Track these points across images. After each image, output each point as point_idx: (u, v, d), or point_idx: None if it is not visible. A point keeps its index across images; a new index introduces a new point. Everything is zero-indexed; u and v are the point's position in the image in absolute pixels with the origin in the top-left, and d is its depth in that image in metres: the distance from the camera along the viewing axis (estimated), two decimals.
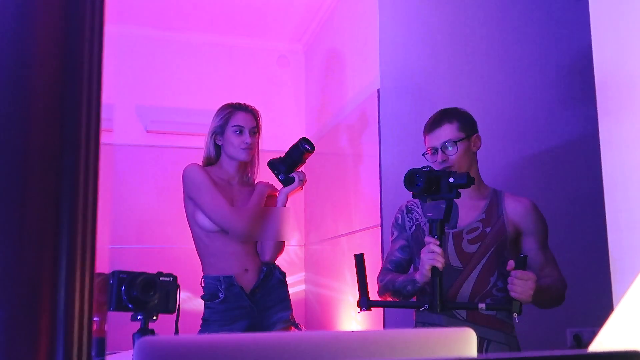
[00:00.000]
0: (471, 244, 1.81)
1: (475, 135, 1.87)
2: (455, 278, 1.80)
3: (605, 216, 1.47)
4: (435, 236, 1.61)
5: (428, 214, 1.63)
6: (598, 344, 0.86)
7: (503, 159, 2.61)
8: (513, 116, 2.67)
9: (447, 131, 1.82)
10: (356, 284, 1.70)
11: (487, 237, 1.81)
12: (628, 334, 0.85)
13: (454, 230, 1.83)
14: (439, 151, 1.82)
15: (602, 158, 1.48)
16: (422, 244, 1.68)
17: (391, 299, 1.85)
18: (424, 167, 1.65)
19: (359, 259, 1.69)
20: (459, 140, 1.81)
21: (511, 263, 1.62)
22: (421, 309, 1.65)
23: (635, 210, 1.38)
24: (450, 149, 1.81)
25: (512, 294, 1.59)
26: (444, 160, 1.81)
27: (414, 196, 1.67)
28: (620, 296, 0.88)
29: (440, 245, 1.62)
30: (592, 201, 1.84)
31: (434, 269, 1.61)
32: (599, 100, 1.50)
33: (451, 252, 1.82)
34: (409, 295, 1.78)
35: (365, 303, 1.66)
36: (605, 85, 1.49)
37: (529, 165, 2.65)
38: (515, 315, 1.60)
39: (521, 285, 1.58)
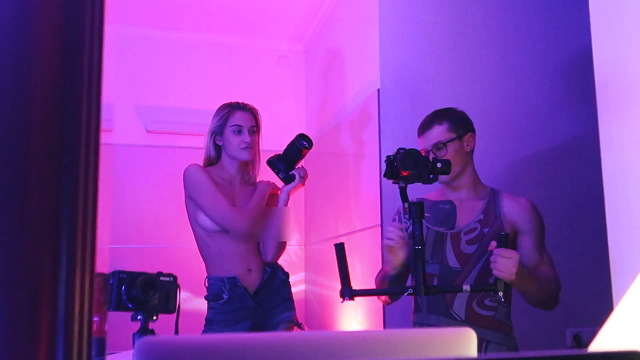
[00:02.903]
0: (469, 245, 1.81)
1: (468, 134, 1.87)
2: (454, 279, 1.80)
3: (605, 216, 1.47)
4: (405, 218, 1.66)
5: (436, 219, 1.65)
6: (598, 344, 0.86)
7: (503, 159, 2.61)
8: (513, 116, 2.67)
9: (437, 133, 1.84)
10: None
11: (485, 238, 1.80)
12: (628, 334, 0.85)
13: (452, 231, 1.83)
14: (430, 153, 1.84)
15: (602, 158, 1.48)
16: None
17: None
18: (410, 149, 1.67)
19: (339, 248, 1.67)
20: (449, 141, 1.83)
21: (493, 243, 1.61)
22: (405, 294, 1.63)
23: (635, 210, 1.38)
24: (441, 150, 1.83)
25: (495, 272, 1.57)
26: None
27: (398, 177, 1.66)
28: (620, 296, 0.88)
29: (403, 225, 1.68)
30: (592, 201, 1.84)
31: (415, 251, 1.58)
32: (599, 100, 1.50)
33: (449, 253, 1.81)
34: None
35: (347, 292, 1.64)
36: (605, 85, 1.49)
37: (529, 165, 2.65)
38: (500, 294, 1.59)
39: (504, 262, 1.56)
